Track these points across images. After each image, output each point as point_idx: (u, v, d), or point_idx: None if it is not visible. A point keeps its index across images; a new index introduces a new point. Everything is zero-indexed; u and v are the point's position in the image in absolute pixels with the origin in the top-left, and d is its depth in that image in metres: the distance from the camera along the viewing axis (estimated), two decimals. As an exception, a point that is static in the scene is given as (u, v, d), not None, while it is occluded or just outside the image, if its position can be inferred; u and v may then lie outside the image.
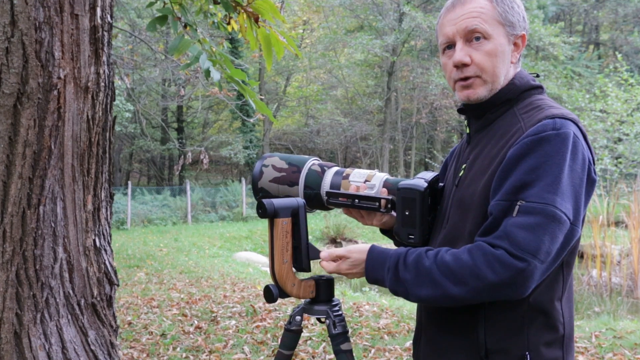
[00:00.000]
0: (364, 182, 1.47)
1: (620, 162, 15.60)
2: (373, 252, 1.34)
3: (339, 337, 1.47)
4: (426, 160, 25.31)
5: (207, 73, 2.73)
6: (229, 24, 3.27)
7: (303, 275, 1.48)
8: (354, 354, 1.50)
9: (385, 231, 1.59)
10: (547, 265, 1.17)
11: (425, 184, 1.37)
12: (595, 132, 16.36)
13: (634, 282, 7.83)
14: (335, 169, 1.54)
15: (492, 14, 1.31)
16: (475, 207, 1.28)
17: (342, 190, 1.48)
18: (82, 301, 1.95)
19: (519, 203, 1.17)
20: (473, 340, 1.27)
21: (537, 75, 1.44)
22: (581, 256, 9.06)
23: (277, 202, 1.40)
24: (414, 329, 4.97)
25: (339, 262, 1.38)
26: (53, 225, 1.83)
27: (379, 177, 1.48)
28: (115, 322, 2.10)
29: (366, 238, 14.55)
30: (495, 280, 1.15)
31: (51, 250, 1.83)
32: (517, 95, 1.34)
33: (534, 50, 24.45)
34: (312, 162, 1.56)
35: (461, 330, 1.30)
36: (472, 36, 1.31)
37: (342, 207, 1.48)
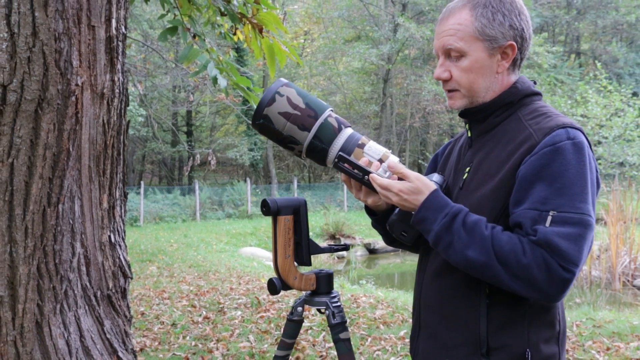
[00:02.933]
0: (379, 161, 1.31)
1: (599, 164, 15.61)
2: (437, 193, 1.24)
3: (338, 327, 1.47)
4: (419, 161, 25.29)
5: (215, 80, 2.73)
6: (235, 34, 3.27)
7: (304, 269, 1.48)
8: (351, 342, 1.50)
9: (371, 212, 1.46)
10: (579, 271, 1.15)
11: (437, 184, 1.30)
12: (577, 136, 16.34)
13: (612, 275, 7.83)
14: (351, 130, 1.35)
15: (470, 30, 1.25)
16: (484, 211, 1.22)
17: (356, 160, 1.31)
18: (99, 293, 1.95)
19: (551, 213, 1.13)
20: (474, 336, 1.23)
21: (535, 83, 1.39)
22: (563, 251, 9.04)
23: (280, 200, 1.40)
24: (407, 320, 4.98)
25: (397, 182, 1.25)
26: (71, 222, 1.84)
27: (393, 160, 1.31)
28: (129, 312, 2.10)
29: (363, 235, 14.53)
30: (539, 280, 1.12)
31: (70, 245, 1.83)
32: (518, 99, 1.30)
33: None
34: (329, 113, 1.35)
35: (462, 326, 1.25)
36: (450, 53, 1.28)
37: (346, 174, 1.32)
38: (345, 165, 1.30)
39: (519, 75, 1.33)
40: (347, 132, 1.34)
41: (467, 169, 1.32)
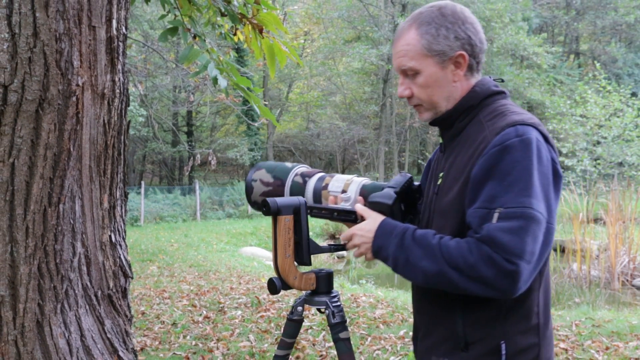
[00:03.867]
0: (341, 193, 1.46)
1: (599, 163, 15.63)
2: (385, 221, 1.32)
3: (338, 326, 1.47)
4: (419, 161, 25.32)
5: (215, 80, 2.73)
6: (235, 34, 3.27)
7: (304, 269, 1.48)
8: (351, 342, 1.50)
9: None
10: (534, 265, 1.16)
11: (394, 196, 1.34)
12: (576, 136, 16.38)
13: (611, 275, 7.83)
14: (317, 176, 1.53)
15: (418, 49, 1.31)
16: (451, 215, 1.28)
17: (321, 205, 1.47)
18: (99, 292, 1.95)
19: (497, 210, 1.16)
20: (454, 333, 1.28)
21: (502, 80, 1.43)
22: (562, 250, 9.05)
23: (280, 200, 1.40)
24: (407, 319, 4.98)
25: (353, 227, 1.36)
26: (72, 222, 1.84)
27: (355, 185, 1.45)
28: (130, 312, 2.10)
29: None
30: (488, 276, 1.14)
31: (70, 245, 1.83)
32: (479, 101, 1.33)
33: (519, 59, 24.44)
34: (295, 173, 1.55)
35: (444, 324, 1.31)
36: (407, 72, 1.34)
37: (322, 217, 1.47)
38: (315, 211, 1.46)
39: (479, 78, 1.37)
40: (313, 180, 1.52)
41: (441, 175, 1.38)
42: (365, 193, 1.44)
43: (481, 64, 1.36)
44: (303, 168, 1.58)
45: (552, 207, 1.19)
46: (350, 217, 1.41)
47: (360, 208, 1.37)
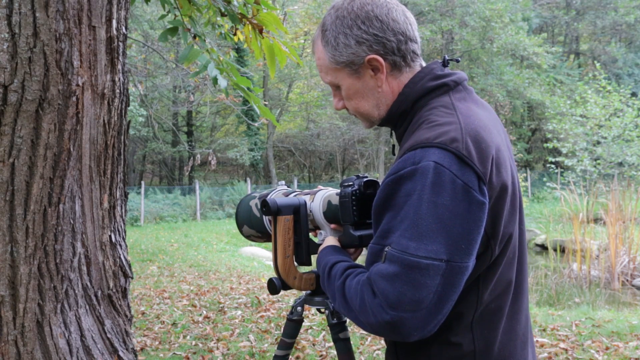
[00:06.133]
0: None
1: (598, 164, 15.64)
2: (322, 251, 1.28)
3: (338, 327, 1.47)
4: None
5: (215, 80, 2.73)
6: (235, 34, 3.27)
7: (304, 269, 1.48)
8: (351, 342, 1.50)
9: None
10: (426, 312, 1.00)
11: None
12: (576, 136, 16.38)
13: (611, 275, 7.83)
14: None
15: (327, 63, 1.19)
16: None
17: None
18: (99, 292, 1.95)
19: (387, 249, 1.04)
20: (395, 357, 1.21)
21: (457, 61, 1.27)
22: (562, 251, 9.06)
23: (280, 200, 1.40)
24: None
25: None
26: (72, 222, 1.84)
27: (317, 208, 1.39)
28: (130, 312, 2.10)
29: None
30: (371, 323, 1.04)
31: (70, 245, 1.83)
32: (410, 106, 1.16)
33: (519, 59, 24.44)
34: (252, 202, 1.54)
35: (389, 348, 1.24)
36: (333, 86, 1.23)
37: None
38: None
39: (417, 70, 1.20)
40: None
41: None
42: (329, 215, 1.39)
43: (410, 55, 1.18)
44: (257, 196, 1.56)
45: (459, 243, 1.01)
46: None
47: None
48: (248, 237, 1.59)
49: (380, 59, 1.15)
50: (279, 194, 1.52)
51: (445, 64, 1.21)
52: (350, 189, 1.26)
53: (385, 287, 1.01)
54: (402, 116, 1.18)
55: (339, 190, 1.34)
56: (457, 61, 1.27)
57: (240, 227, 1.58)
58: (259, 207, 1.51)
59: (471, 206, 1.01)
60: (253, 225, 1.53)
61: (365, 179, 1.27)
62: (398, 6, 1.18)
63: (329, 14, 1.18)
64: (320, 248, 1.30)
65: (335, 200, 1.35)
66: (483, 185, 1.03)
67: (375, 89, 1.18)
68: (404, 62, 1.17)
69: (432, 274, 1.00)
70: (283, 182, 1.62)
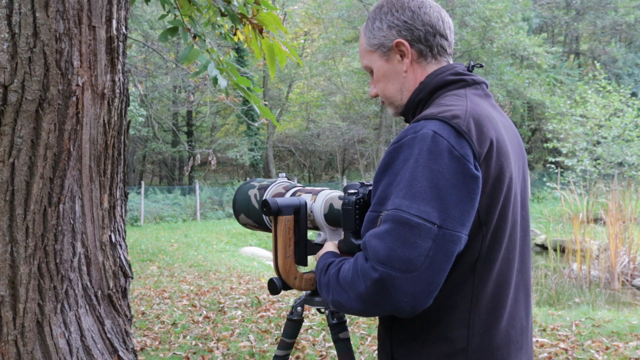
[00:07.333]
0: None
1: (599, 164, 15.63)
2: (320, 259, 1.28)
3: (338, 327, 1.47)
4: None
5: (215, 80, 2.73)
6: (235, 34, 3.27)
7: (305, 269, 1.48)
8: (351, 342, 1.50)
9: None
10: (417, 275, 1.00)
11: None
12: (576, 136, 16.38)
13: (611, 275, 7.83)
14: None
15: (364, 47, 1.30)
16: None
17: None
18: (99, 292, 1.95)
19: (381, 215, 1.05)
20: (387, 350, 1.22)
21: (481, 66, 1.32)
22: (562, 250, 9.06)
23: (280, 200, 1.40)
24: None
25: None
26: (72, 222, 1.84)
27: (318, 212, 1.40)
28: (130, 312, 2.10)
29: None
30: (361, 291, 1.03)
31: (70, 245, 1.83)
32: (428, 94, 1.22)
33: (519, 59, 24.44)
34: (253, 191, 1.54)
35: (381, 341, 1.25)
36: (369, 71, 1.33)
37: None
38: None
39: (443, 64, 1.26)
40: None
41: None
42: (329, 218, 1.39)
43: (437, 48, 1.24)
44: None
45: (452, 210, 1.02)
46: None
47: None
48: (244, 225, 1.60)
49: (407, 44, 1.23)
50: (279, 187, 1.52)
51: (470, 69, 1.28)
52: (354, 197, 1.26)
53: (377, 244, 1.02)
54: (419, 105, 1.24)
55: (341, 194, 1.34)
56: (481, 66, 1.32)
57: (237, 214, 1.59)
58: (257, 198, 1.52)
59: (465, 178, 1.04)
60: (250, 215, 1.55)
61: (370, 188, 1.27)
62: (434, 5, 1.27)
63: (374, 5, 1.31)
64: (319, 254, 1.30)
65: (337, 204, 1.35)
66: (477, 162, 1.06)
67: (401, 73, 1.26)
68: (430, 53, 1.25)
69: (423, 235, 1.00)
70: (284, 174, 1.62)
